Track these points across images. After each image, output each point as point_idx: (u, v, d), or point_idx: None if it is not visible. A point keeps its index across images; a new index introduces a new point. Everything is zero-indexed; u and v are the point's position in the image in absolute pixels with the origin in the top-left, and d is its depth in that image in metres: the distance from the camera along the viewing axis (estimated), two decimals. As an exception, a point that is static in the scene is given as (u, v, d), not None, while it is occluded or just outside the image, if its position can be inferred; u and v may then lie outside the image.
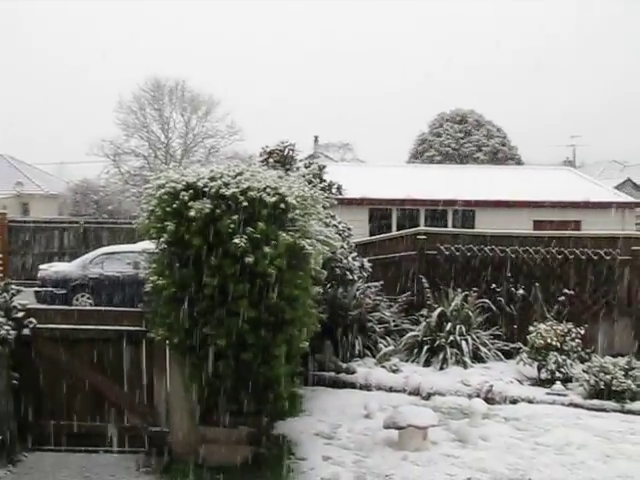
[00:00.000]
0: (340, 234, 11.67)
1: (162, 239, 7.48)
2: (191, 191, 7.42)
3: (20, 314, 8.17)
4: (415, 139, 47.19)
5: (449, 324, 12.71)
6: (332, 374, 11.64)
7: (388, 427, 8.74)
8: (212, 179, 7.52)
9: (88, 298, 16.62)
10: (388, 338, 12.94)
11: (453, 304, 13.01)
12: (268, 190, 7.38)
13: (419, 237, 14.38)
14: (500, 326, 13.49)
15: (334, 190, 12.70)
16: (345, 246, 12.12)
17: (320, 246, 7.91)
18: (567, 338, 12.03)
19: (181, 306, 7.43)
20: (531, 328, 12.32)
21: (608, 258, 13.69)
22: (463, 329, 12.75)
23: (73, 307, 15.03)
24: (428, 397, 11.06)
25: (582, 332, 12.24)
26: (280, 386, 7.89)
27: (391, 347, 12.63)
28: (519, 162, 43.86)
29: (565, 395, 11.12)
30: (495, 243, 14.08)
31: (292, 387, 9.06)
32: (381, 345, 12.63)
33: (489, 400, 10.81)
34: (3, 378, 7.80)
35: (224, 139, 48.39)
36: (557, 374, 11.68)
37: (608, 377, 10.88)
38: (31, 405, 8.13)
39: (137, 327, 8.07)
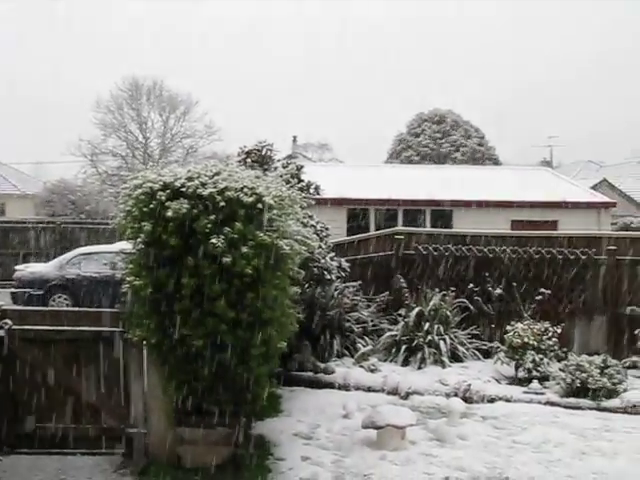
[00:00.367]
0: (318, 234, 11.67)
1: (139, 239, 7.44)
2: (168, 191, 7.38)
3: (-5, 315, 8.09)
4: (393, 139, 47.34)
5: (427, 324, 12.76)
6: (311, 374, 11.65)
7: (367, 427, 8.75)
8: (189, 179, 7.49)
9: (65, 299, 16.51)
10: (366, 338, 12.97)
11: (431, 304, 13.06)
12: (245, 190, 7.36)
13: (397, 237, 14.42)
14: (478, 325, 13.58)
15: (312, 190, 12.69)
16: (323, 246, 12.13)
17: (298, 246, 7.91)
18: (544, 337, 12.13)
19: (158, 307, 7.39)
20: (508, 327, 12.40)
21: (584, 258, 13.80)
22: (441, 329, 12.80)
23: (50, 308, 14.92)
24: (406, 397, 11.09)
25: (559, 331, 12.35)
26: (258, 386, 7.87)
27: (369, 347, 12.66)
28: (497, 162, 44.11)
29: (542, 394, 11.20)
30: (473, 243, 14.17)
31: (270, 387, 9.04)
32: (359, 345, 12.67)
33: (467, 399, 10.86)
34: (-22, 380, 7.73)
35: (202, 139, 48.31)
36: (534, 373, 11.77)
37: (584, 375, 10.98)
38: (6, 407, 8.05)
39: (114, 328, 8.01)
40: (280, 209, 7.67)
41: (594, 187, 34.42)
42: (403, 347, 12.66)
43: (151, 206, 7.33)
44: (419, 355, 12.47)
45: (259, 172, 8.70)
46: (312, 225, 11.46)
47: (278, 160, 13.13)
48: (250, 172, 8.26)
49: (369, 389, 11.35)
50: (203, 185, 7.39)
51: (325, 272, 12.16)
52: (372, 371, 11.86)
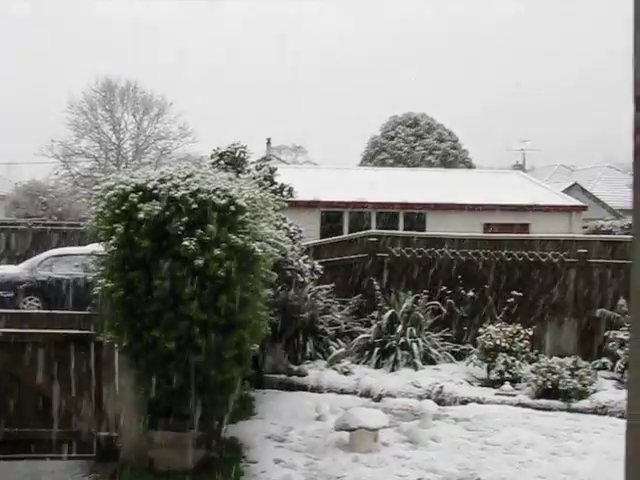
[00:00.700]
0: (291, 236, 11.67)
1: (111, 241, 7.40)
2: (140, 193, 7.35)
3: (-36, 318, 8.01)
4: (368, 142, 47.41)
5: (400, 326, 12.80)
6: (284, 377, 11.65)
7: (339, 429, 8.77)
8: (162, 181, 7.47)
9: (36, 301, 16.34)
10: (339, 340, 12.99)
11: (404, 306, 13.10)
12: (218, 192, 7.36)
13: (370, 239, 14.46)
14: (450, 328, 13.64)
15: (285, 192, 12.70)
16: (296, 248, 12.13)
17: (270, 248, 7.91)
18: (516, 339, 12.21)
19: (130, 309, 7.36)
20: (481, 330, 12.48)
21: (555, 260, 13.91)
22: (414, 331, 12.85)
23: (20, 310, 14.76)
24: (379, 399, 11.13)
25: (530, 333, 12.45)
26: (231, 389, 7.86)
27: (342, 349, 12.68)
28: (470, 165, 44.31)
29: (514, 395, 11.29)
30: (445, 245, 14.23)
31: (243, 390, 9.04)
32: (332, 347, 12.68)
33: (439, 401, 10.92)
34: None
35: (176, 141, 48.05)
36: (506, 375, 11.85)
37: (555, 377, 11.08)
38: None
39: (85, 331, 7.96)
40: (253, 211, 7.68)
41: (566, 191, 34.71)
42: (376, 349, 12.69)
43: (123, 208, 7.30)
44: (392, 357, 12.50)
45: (232, 174, 8.70)
46: (285, 227, 11.46)
47: (252, 162, 13.12)
48: (223, 174, 8.26)
49: (342, 391, 11.37)
50: (176, 187, 7.38)
51: (298, 274, 12.17)
52: (345, 373, 11.88)
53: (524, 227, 23.56)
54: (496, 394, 11.35)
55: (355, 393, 11.32)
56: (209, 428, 7.95)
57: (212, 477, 7.62)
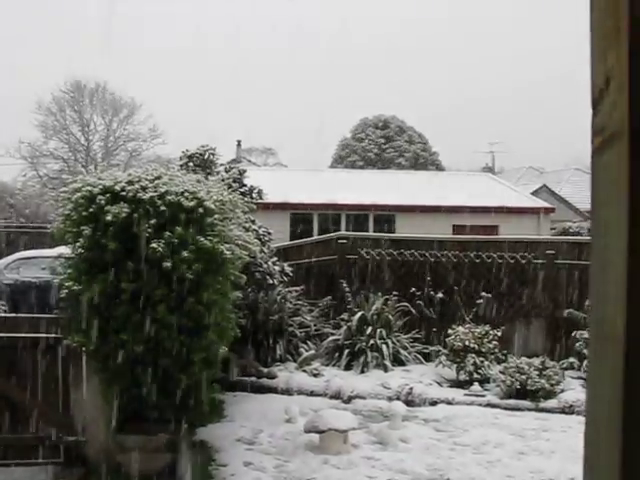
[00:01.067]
0: (260, 239, 11.64)
1: (78, 244, 7.34)
2: (108, 195, 7.30)
3: None
4: (338, 144, 47.50)
5: (370, 328, 12.82)
6: (253, 379, 11.61)
7: (309, 431, 8.76)
8: (130, 183, 7.42)
9: (2, 304, 16.13)
10: (309, 342, 12.98)
11: (373, 308, 13.13)
12: (186, 194, 7.33)
13: (340, 241, 14.48)
14: (420, 329, 13.69)
15: (254, 194, 12.67)
16: (266, 250, 12.11)
17: (239, 251, 7.90)
18: (485, 340, 12.29)
19: (98, 312, 7.30)
20: (450, 331, 12.54)
21: (524, 262, 14.04)
22: (383, 333, 12.88)
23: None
24: (349, 400, 11.13)
25: (499, 334, 12.54)
26: (200, 392, 7.82)
27: (312, 351, 12.68)
28: (440, 168, 44.59)
29: (483, 396, 11.36)
30: (415, 247, 14.29)
31: (213, 393, 8.98)
32: (302, 349, 12.67)
33: (409, 402, 10.95)
34: None
35: (146, 142, 47.76)
36: (475, 375, 11.92)
37: (523, 377, 11.17)
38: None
39: (52, 334, 7.86)
40: (221, 213, 7.65)
41: (534, 193, 35.03)
42: (346, 351, 12.70)
43: (90, 210, 7.25)
44: (362, 359, 12.52)
45: (201, 176, 8.67)
46: (254, 229, 11.42)
47: (221, 164, 13.07)
48: (192, 176, 8.23)
49: (312, 393, 11.36)
50: (144, 189, 7.33)
51: (268, 277, 12.14)
52: (315, 375, 11.87)
53: (493, 229, 23.70)
54: (465, 395, 11.42)
55: (325, 395, 11.32)
56: (179, 431, 7.89)
57: (181, 481, 7.57)
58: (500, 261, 14.12)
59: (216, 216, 7.50)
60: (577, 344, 12.22)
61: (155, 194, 7.26)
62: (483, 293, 13.73)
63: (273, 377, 11.66)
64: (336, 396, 11.25)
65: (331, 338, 13.09)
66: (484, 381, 11.86)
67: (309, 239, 17.37)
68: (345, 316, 13.31)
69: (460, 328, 12.49)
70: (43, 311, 11.60)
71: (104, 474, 7.49)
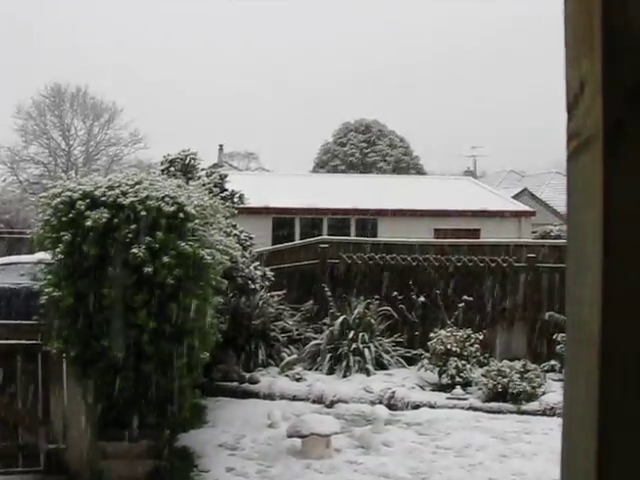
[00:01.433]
0: (242, 243, 11.62)
1: (58, 249, 7.29)
2: (88, 200, 7.26)
3: None
4: (320, 148, 47.56)
5: (352, 332, 12.83)
6: (236, 384, 11.59)
7: (291, 436, 8.75)
8: (110, 188, 7.38)
9: (-18, 311, 15.99)
10: (291, 347, 12.97)
11: (355, 312, 13.14)
12: (167, 199, 7.30)
13: (321, 246, 14.49)
14: (402, 333, 13.72)
15: (236, 199, 12.65)
16: (247, 255, 12.09)
17: (220, 255, 7.88)
18: (466, 344, 12.33)
19: (78, 318, 7.25)
20: (432, 335, 12.57)
21: (505, 265, 14.10)
22: (366, 337, 12.89)
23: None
24: (331, 405, 11.13)
25: (481, 337, 12.59)
26: (182, 398, 7.79)
27: (294, 356, 12.66)
28: (421, 172, 44.74)
29: (465, 399, 11.40)
30: (397, 251, 14.33)
31: (195, 398, 8.95)
32: (284, 354, 12.66)
33: (392, 406, 10.97)
34: None
35: (127, 147, 47.64)
36: (457, 379, 11.95)
37: (505, 380, 11.21)
38: None
39: (32, 341, 7.80)
40: (202, 218, 7.63)
41: (516, 196, 35.23)
42: (328, 355, 12.71)
43: (70, 215, 7.20)
44: (344, 363, 12.53)
45: (181, 181, 8.65)
46: (235, 234, 11.41)
47: (202, 169, 13.04)
48: (172, 181, 8.21)
49: (294, 398, 11.35)
50: (124, 194, 7.30)
51: (249, 281, 12.12)
52: (297, 380, 11.86)
53: (474, 232, 23.80)
54: (447, 398, 11.45)
55: (307, 399, 11.31)
56: (160, 437, 7.85)
57: (163, 487, 7.54)
58: (481, 265, 14.17)
59: (197, 221, 7.48)
60: (558, 347, 12.28)
61: (136, 199, 7.23)
62: (465, 297, 13.78)
63: (255, 382, 11.64)
64: (318, 400, 11.24)
65: (313, 342, 13.09)
66: (466, 384, 11.89)
67: (291, 244, 17.37)
68: (327, 320, 13.32)
69: (442, 332, 12.53)
70: (23, 317, 11.51)
71: (85, 481, 7.45)
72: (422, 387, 12.08)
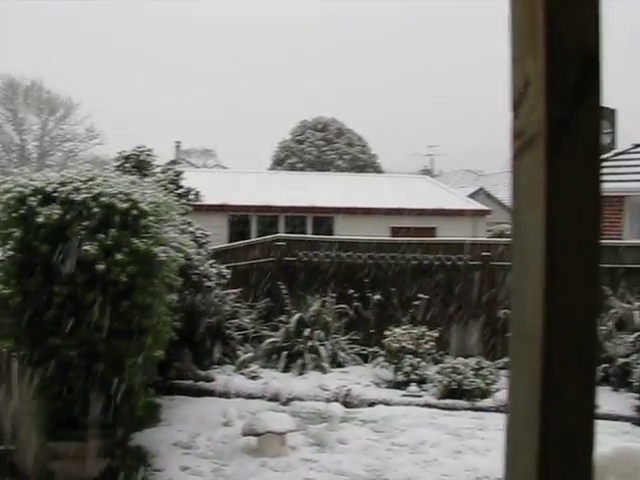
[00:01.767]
0: (197, 241, 11.54)
1: (8, 246, 7.15)
2: (40, 196, 7.13)
3: None
4: (277, 146, 47.49)
5: (308, 330, 12.84)
6: (191, 382, 11.49)
7: (246, 434, 8.72)
8: (62, 184, 7.26)
9: None
10: (247, 345, 12.93)
11: (311, 310, 13.16)
12: (120, 196, 7.21)
13: (278, 244, 14.46)
14: (358, 331, 13.76)
15: (191, 196, 12.56)
16: (203, 252, 12.01)
17: (174, 253, 7.81)
18: (421, 341, 12.42)
19: (29, 316, 7.12)
20: (387, 332, 12.64)
21: (460, 264, 14.22)
22: (321, 335, 12.91)
23: None
24: (287, 403, 11.11)
25: (436, 335, 12.68)
26: (135, 396, 7.71)
27: (250, 354, 12.62)
28: (379, 170, 44.95)
29: (420, 396, 11.47)
30: (353, 249, 14.36)
31: (149, 397, 8.89)
32: (240, 352, 12.60)
33: (347, 404, 10.99)
34: None
35: (83, 143, 47.01)
36: (412, 376, 12.02)
37: (460, 377, 11.31)
38: None
39: (-19, 339, 7.65)
40: (156, 215, 7.55)
41: (472, 195, 35.62)
42: (284, 353, 12.69)
43: (21, 212, 7.07)
44: (300, 361, 12.53)
45: (135, 178, 8.54)
46: (191, 231, 11.32)
47: (158, 166, 12.91)
48: (126, 178, 8.11)
49: (250, 396, 11.30)
50: (77, 190, 7.19)
51: (204, 279, 12.03)
52: (253, 378, 11.82)
53: (430, 231, 23.99)
54: (403, 395, 11.51)
55: (263, 397, 11.27)
56: (113, 437, 7.76)
57: (116, 487, 7.45)
58: (437, 263, 14.28)
59: (151, 218, 7.40)
60: (511, 344, 12.41)
61: (88, 195, 7.12)
62: (420, 294, 13.87)
63: (211, 380, 11.57)
64: (274, 398, 11.21)
65: (269, 340, 13.06)
66: (421, 382, 11.97)
67: (247, 241, 17.28)
68: (283, 318, 13.30)
69: (397, 329, 12.60)
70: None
71: (35, 482, 7.33)
72: (378, 384, 12.13)
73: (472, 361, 11.69)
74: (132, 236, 7.15)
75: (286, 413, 9.74)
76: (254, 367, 12.22)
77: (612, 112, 20.62)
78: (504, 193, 40.21)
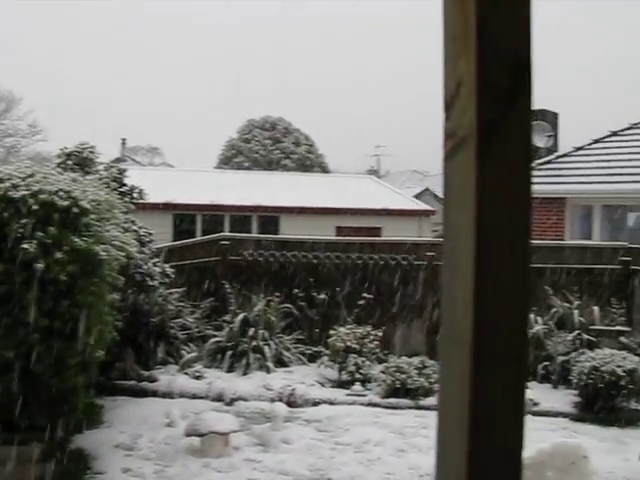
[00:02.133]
0: (140, 240, 11.39)
1: (-58, 245, 6.97)
2: (-24, 194, 6.97)
3: None
4: (224, 145, 47.21)
5: (252, 329, 12.79)
6: (133, 383, 11.35)
7: (190, 435, 8.65)
8: (0, 180, 7.11)
9: None
10: (191, 344, 12.81)
11: (256, 309, 13.11)
12: (61, 194, 7.07)
13: (222, 243, 14.38)
14: (303, 330, 13.76)
15: (135, 194, 12.39)
16: (146, 251, 11.86)
17: (115, 252, 7.70)
18: (366, 340, 12.48)
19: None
20: (332, 332, 12.66)
21: (405, 263, 14.32)
22: (266, 334, 12.87)
23: None
24: (231, 403, 11.06)
25: (380, 334, 12.76)
26: (75, 398, 7.57)
27: (194, 353, 12.51)
28: (326, 170, 45.03)
29: (364, 395, 11.53)
30: (298, 249, 14.35)
31: (90, 398, 8.74)
32: (184, 352, 12.49)
33: (291, 403, 10.98)
34: None
35: (25, 139, 46.02)
36: (357, 375, 12.07)
37: (403, 376, 11.40)
38: None
39: None
40: (98, 214, 7.44)
41: (418, 196, 35.95)
42: (228, 353, 12.61)
43: (-44, 209, 6.90)
44: (244, 361, 12.47)
45: (77, 175, 8.40)
46: (134, 230, 11.17)
47: (101, 163, 12.71)
48: (68, 175, 7.97)
49: (194, 396, 11.21)
50: (15, 187, 7.04)
51: (148, 278, 11.88)
52: (197, 378, 11.73)
53: (376, 230, 24.11)
54: (347, 395, 11.55)
55: (207, 397, 11.19)
56: (53, 440, 7.61)
57: (55, 490, 7.31)
58: (382, 262, 14.36)
59: (92, 216, 7.28)
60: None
61: (27, 193, 6.98)
62: (365, 294, 13.93)
63: (154, 380, 11.44)
64: (218, 398, 11.14)
65: (213, 340, 12.97)
66: (366, 381, 12.02)
67: (191, 240, 17.14)
68: (228, 318, 13.22)
69: (342, 329, 12.64)
70: None
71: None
72: (322, 384, 12.14)
73: (416, 360, 11.80)
74: (72, 234, 7.02)
75: (230, 413, 9.70)
76: (198, 367, 12.12)
77: (554, 115, 21.01)
78: (449, 194, 40.72)
